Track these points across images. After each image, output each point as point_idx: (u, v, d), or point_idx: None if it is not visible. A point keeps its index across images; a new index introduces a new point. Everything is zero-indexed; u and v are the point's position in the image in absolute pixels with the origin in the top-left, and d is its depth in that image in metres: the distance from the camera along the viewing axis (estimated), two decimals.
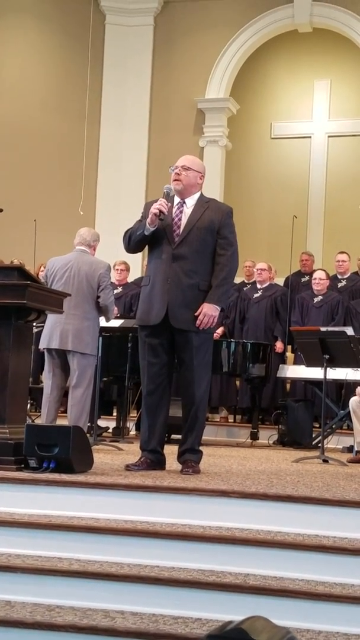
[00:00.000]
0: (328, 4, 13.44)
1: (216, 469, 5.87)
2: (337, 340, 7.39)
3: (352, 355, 7.39)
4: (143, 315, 5.55)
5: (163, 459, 5.59)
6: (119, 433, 9.04)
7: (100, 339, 7.54)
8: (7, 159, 13.88)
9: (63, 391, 7.29)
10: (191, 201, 5.61)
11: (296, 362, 9.95)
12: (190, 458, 5.48)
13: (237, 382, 10.67)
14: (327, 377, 7.49)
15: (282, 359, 10.42)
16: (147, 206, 5.56)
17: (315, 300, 10.23)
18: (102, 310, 7.17)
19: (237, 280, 11.85)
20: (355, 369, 7.99)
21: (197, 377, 5.45)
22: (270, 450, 8.88)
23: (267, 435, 9.75)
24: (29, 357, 5.65)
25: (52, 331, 7.03)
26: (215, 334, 9.99)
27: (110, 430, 9.47)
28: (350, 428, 9.68)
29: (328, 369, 7.42)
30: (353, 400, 7.81)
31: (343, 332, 7.61)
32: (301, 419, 9.25)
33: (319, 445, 7.67)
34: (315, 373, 8.16)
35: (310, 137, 14.63)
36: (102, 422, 9.23)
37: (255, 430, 9.74)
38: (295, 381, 10.17)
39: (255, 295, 10.74)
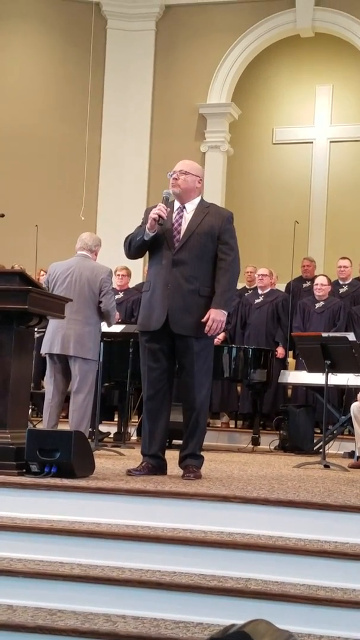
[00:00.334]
0: (330, 9, 13.47)
1: (217, 474, 5.87)
2: (339, 345, 7.40)
3: (353, 361, 7.40)
4: (144, 321, 5.55)
5: (164, 464, 5.59)
6: (121, 438, 9.03)
7: (102, 344, 7.54)
8: (9, 164, 13.90)
9: (64, 396, 7.29)
10: (191, 206, 5.62)
11: (297, 367, 9.95)
12: (191, 463, 5.48)
13: (239, 388, 10.66)
14: (329, 383, 7.49)
15: (283, 364, 10.42)
16: (148, 211, 5.56)
17: (317, 305, 10.23)
18: (103, 316, 7.18)
19: (239, 285, 11.86)
20: (357, 374, 7.99)
21: (197, 382, 5.45)
22: (272, 455, 8.88)
23: (268, 440, 9.74)
24: (31, 363, 5.65)
25: (53, 336, 7.03)
26: (216, 340, 10.03)
27: (111, 436, 9.47)
28: (351, 434, 9.67)
29: (329, 374, 7.42)
30: (354, 406, 7.81)
31: (345, 337, 7.61)
32: (302, 424, 9.24)
33: (320, 450, 7.66)
34: (316, 379, 8.15)
35: (312, 142, 14.64)
36: (103, 428, 9.23)
37: (257, 435, 9.74)
38: (296, 387, 10.17)
39: (257, 300, 10.74)
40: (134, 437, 9.40)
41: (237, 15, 13.80)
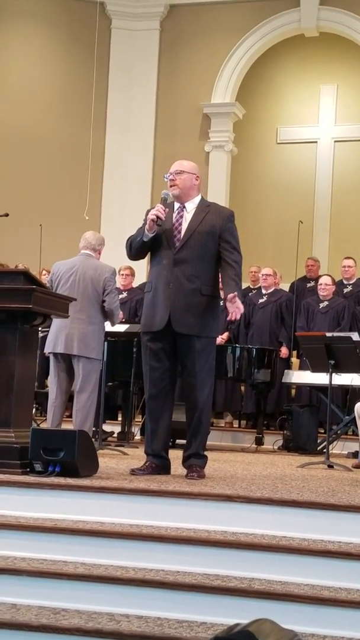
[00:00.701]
0: (335, 9, 13.44)
1: (221, 473, 5.87)
2: (343, 345, 7.39)
3: (357, 361, 7.39)
4: (147, 321, 5.56)
5: (168, 463, 5.60)
6: (124, 438, 9.04)
7: (106, 343, 7.54)
8: (13, 163, 13.90)
9: (68, 396, 7.28)
10: (191, 205, 5.63)
11: (301, 367, 9.94)
12: (195, 463, 5.49)
13: (242, 388, 10.66)
14: (333, 383, 7.48)
15: (287, 364, 10.42)
16: (147, 213, 5.57)
17: (321, 305, 10.22)
18: (107, 315, 7.17)
19: (243, 285, 11.87)
20: None
21: (199, 381, 5.45)
22: (275, 455, 8.87)
23: (272, 440, 9.74)
24: (35, 362, 5.66)
25: (57, 335, 7.03)
26: (220, 339, 10.06)
27: (115, 435, 9.47)
28: (355, 434, 9.66)
29: (333, 374, 7.42)
30: (358, 406, 7.80)
31: (349, 337, 7.60)
32: (306, 424, 9.24)
33: (324, 450, 7.66)
34: (320, 379, 8.15)
35: (316, 142, 14.62)
36: (107, 427, 9.24)
37: (260, 435, 9.74)
38: (300, 387, 10.16)
39: (261, 300, 10.74)
40: (138, 437, 9.40)
41: (241, 14, 13.79)
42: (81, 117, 14.00)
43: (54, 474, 4.99)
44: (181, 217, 5.58)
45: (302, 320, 10.28)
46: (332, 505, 4.43)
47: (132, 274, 10.77)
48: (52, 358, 7.15)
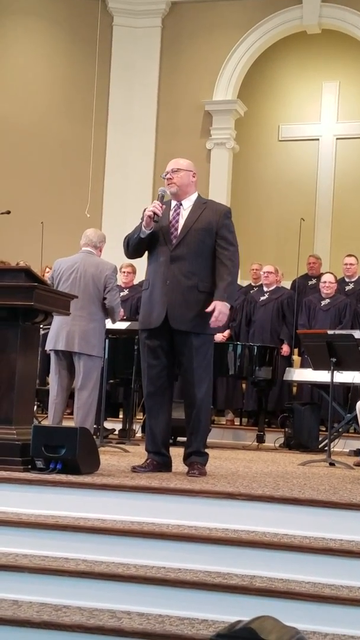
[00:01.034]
0: (337, 5, 13.42)
1: (222, 471, 5.87)
2: (345, 343, 7.39)
3: (359, 359, 7.38)
4: (144, 319, 5.58)
5: (169, 460, 5.60)
6: (125, 435, 9.04)
7: (107, 341, 7.54)
8: (15, 161, 13.89)
9: (69, 393, 7.28)
10: (188, 202, 5.64)
11: (303, 365, 9.94)
12: (196, 460, 5.49)
13: (244, 385, 10.66)
14: (334, 381, 7.48)
15: (288, 362, 10.41)
16: (145, 211, 5.58)
17: (323, 303, 10.22)
18: (108, 312, 7.17)
19: (244, 283, 11.86)
20: None
21: (197, 379, 5.45)
22: (277, 453, 8.87)
23: (273, 438, 9.73)
24: (36, 359, 5.66)
25: (58, 333, 7.03)
26: (221, 337, 10.06)
27: (116, 432, 9.48)
28: (357, 431, 9.69)
29: (335, 372, 7.41)
30: None
31: (350, 335, 7.60)
32: (307, 422, 9.23)
33: (326, 448, 7.66)
34: (322, 376, 8.14)
35: (318, 139, 14.60)
36: (108, 424, 9.23)
37: (262, 433, 9.73)
38: (301, 384, 10.16)
39: (262, 298, 10.73)
40: (139, 434, 9.40)
41: (243, 11, 13.77)
42: (82, 115, 13.99)
43: (56, 471, 4.99)
44: (178, 214, 5.60)
45: (303, 317, 10.28)
46: (334, 503, 4.43)
47: (134, 272, 10.76)
48: (53, 355, 7.15)
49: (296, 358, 10.83)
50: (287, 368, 9.85)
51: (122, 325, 8.31)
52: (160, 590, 3.92)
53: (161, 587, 3.93)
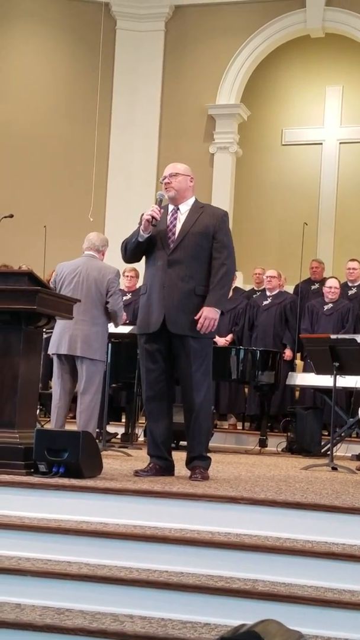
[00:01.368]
0: (341, 9, 13.44)
1: (225, 475, 5.87)
2: (347, 347, 7.38)
3: None
4: (142, 323, 5.58)
5: (172, 464, 5.60)
6: (128, 439, 9.04)
7: (110, 345, 7.54)
8: (18, 164, 13.91)
9: (72, 397, 7.28)
10: (185, 207, 5.65)
11: (305, 369, 9.94)
12: (198, 464, 5.49)
13: (246, 390, 10.65)
14: (337, 385, 7.47)
15: (291, 366, 10.40)
16: (142, 216, 5.59)
17: (326, 307, 10.22)
18: (110, 316, 7.17)
19: (247, 287, 11.87)
20: None
21: (195, 383, 5.45)
22: (279, 457, 8.87)
23: (276, 442, 9.73)
24: (39, 363, 5.66)
25: (60, 337, 7.03)
26: (224, 341, 10.06)
27: (119, 437, 9.48)
28: (359, 436, 9.68)
29: (338, 376, 7.41)
30: None
31: (353, 339, 7.59)
32: (310, 426, 9.23)
33: (328, 452, 7.65)
34: (324, 381, 8.14)
35: (321, 143, 14.62)
36: (111, 428, 9.24)
37: (264, 437, 9.73)
38: (304, 389, 10.15)
39: (265, 302, 10.72)
40: (141, 438, 9.39)
41: (246, 15, 13.78)
42: (86, 119, 14.01)
43: (58, 474, 5.00)
44: (175, 218, 5.62)
45: (306, 322, 10.27)
46: (336, 508, 4.43)
47: (137, 276, 10.75)
48: (55, 359, 7.15)
49: (299, 362, 10.82)
50: (290, 372, 9.84)
51: (125, 329, 8.31)
52: (162, 594, 3.92)
53: (163, 591, 3.93)
